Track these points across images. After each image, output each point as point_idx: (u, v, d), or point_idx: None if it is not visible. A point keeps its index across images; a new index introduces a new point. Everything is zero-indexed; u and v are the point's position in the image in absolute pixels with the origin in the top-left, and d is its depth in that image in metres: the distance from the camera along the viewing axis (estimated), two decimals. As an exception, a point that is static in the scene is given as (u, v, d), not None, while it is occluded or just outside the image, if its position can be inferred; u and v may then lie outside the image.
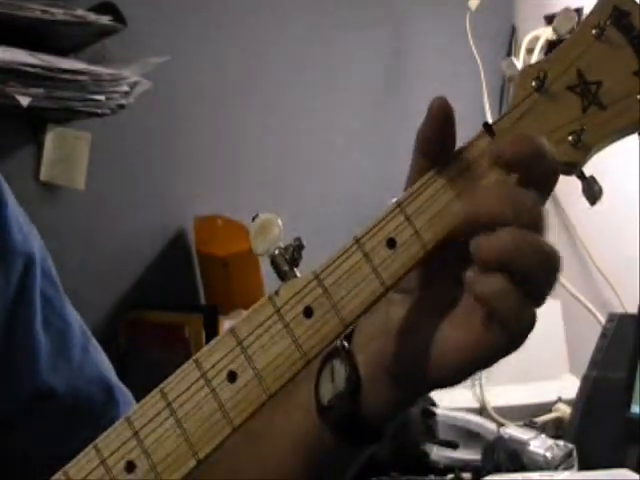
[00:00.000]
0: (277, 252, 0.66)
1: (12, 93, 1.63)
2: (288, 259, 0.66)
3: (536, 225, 0.62)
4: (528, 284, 0.62)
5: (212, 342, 0.66)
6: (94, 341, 0.94)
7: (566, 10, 0.65)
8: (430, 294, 0.68)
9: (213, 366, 0.66)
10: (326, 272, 0.66)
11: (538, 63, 0.67)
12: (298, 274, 0.66)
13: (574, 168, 0.65)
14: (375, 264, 0.65)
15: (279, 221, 0.67)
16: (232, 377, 0.65)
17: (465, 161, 0.66)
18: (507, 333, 0.64)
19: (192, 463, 0.65)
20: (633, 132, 0.65)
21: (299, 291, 0.66)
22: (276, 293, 0.66)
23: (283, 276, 0.66)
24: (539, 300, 0.63)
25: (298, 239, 0.67)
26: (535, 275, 0.62)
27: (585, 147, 0.64)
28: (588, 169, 0.67)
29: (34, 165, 1.81)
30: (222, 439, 0.65)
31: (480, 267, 0.62)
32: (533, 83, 0.66)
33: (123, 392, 0.93)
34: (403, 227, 0.66)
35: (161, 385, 0.66)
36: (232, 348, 0.66)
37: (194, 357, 0.66)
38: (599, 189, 0.65)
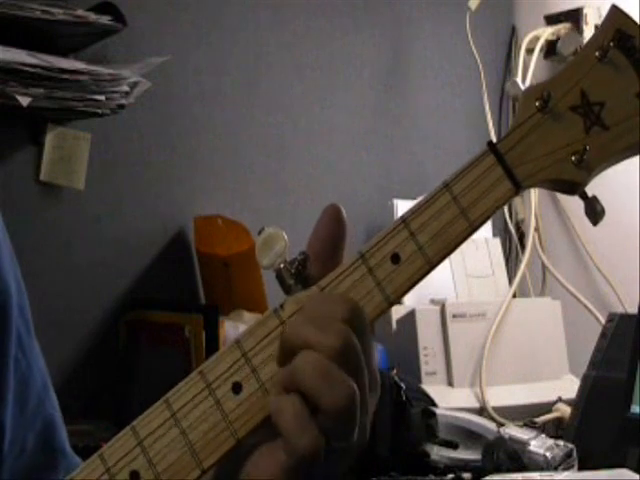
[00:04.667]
0: (282, 266, 0.67)
1: (12, 93, 1.63)
2: (293, 273, 0.66)
3: (338, 356, 0.62)
4: (314, 410, 0.62)
5: (217, 354, 0.66)
6: (52, 393, 0.91)
7: (570, 32, 0.66)
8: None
9: (218, 377, 0.66)
10: (330, 286, 0.66)
11: (542, 83, 0.67)
12: (302, 288, 0.66)
13: (577, 188, 0.66)
14: (379, 279, 0.66)
15: (284, 235, 0.67)
16: (237, 388, 0.65)
17: (469, 179, 0.67)
18: (292, 452, 0.63)
19: (196, 473, 0.65)
20: (636, 153, 0.66)
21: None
22: (281, 307, 0.66)
23: (288, 290, 0.66)
24: (328, 434, 0.63)
25: (303, 253, 0.67)
26: (318, 400, 0.62)
27: (588, 167, 0.65)
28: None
29: (34, 165, 1.82)
30: (226, 450, 0.65)
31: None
32: (537, 103, 0.67)
33: (67, 456, 0.90)
34: (407, 242, 0.66)
35: (166, 395, 0.66)
36: (237, 359, 0.66)
37: (199, 368, 0.66)
38: (601, 209, 0.66)
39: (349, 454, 0.66)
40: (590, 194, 0.66)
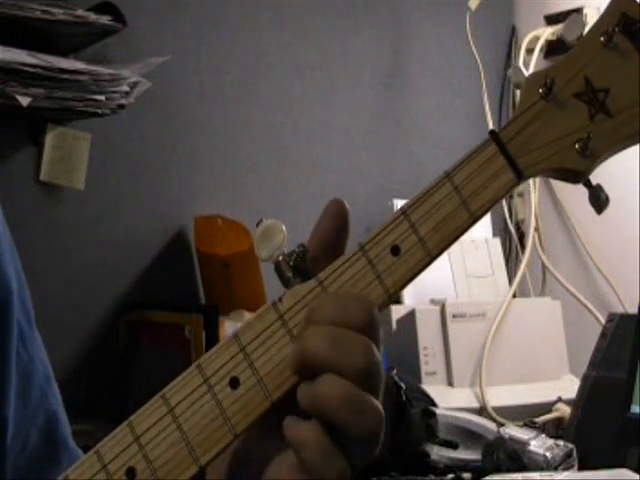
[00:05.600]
0: (281, 258, 0.66)
1: (12, 93, 1.63)
2: (292, 265, 0.65)
3: (364, 377, 0.61)
4: (340, 437, 0.61)
5: (215, 348, 0.66)
6: (54, 386, 0.90)
7: (574, 17, 0.64)
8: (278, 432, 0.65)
9: (216, 372, 0.65)
10: (330, 279, 0.65)
11: (545, 70, 0.66)
12: (301, 281, 0.65)
13: (581, 176, 0.65)
14: (379, 271, 0.65)
15: (283, 227, 0.67)
16: (235, 383, 0.65)
17: (471, 168, 0.65)
18: None
19: (193, 469, 0.65)
20: None
21: (302, 297, 0.65)
22: (279, 300, 0.65)
23: (287, 283, 0.65)
24: (353, 456, 0.62)
25: (302, 245, 0.66)
26: (347, 429, 0.61)
27: (592, 155, 0.64)
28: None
29: (34, 165, 1.82)
30: (224, 446, 0.65)
31: (300, 412, 0.62)
32: (540, 90, 0.65)
33: (70, 450, 0.90)
34: (408, 234, 0.65)
35: (163, 390, 0.66)
36: (235, 354, 0.65)
37: (197, 362, 0.65)
38: (606, 198, 0.65)
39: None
40: (594, 182, 0.65)
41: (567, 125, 0.64)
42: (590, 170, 0.65)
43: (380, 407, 0.62)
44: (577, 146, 0.64)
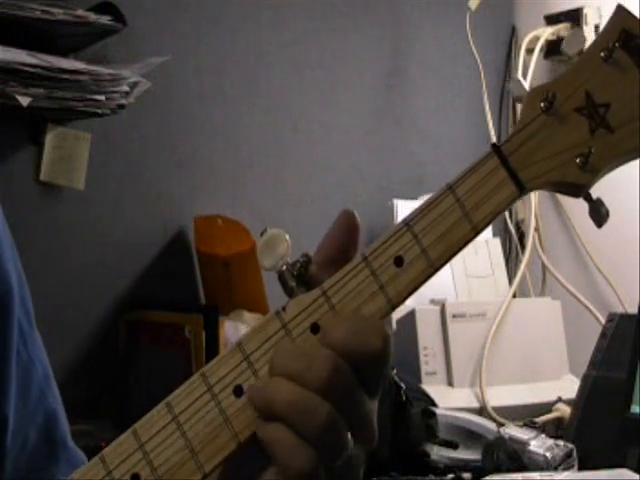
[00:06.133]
0: (284, 268, 0.66)
1: (12, 93, 1.63)
2: (295, 275, 0.66)
3: (316, 381, 0.63)
4: (301, 433, 0.63)
5: (219, 356, 0.66)
6: (53, 385, 0.91)
7: (575, 32, 0.65)
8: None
9: (220, 380, 0.66)
10: (333, 289, 0.66)
11: (546, 84, 0.66)
12: (305, 290, 0.66)
13: (581, 190, 0.65)
14: (382, 282, 0.65)
15: (287, 236, 0.67)
16: (238, 391, 0.65)
17: (473, 181, 0.66)
18: (287, 476, 0.63)
19: (197, 477, 0.65)
20: None
21: (306, 307, 0.65)
22: (283, 309, 0.66)
23: (290, 292, 0.66)
24: (316, 447, 0.63)
25: (306, 255, 0.66)
26: (294, 426, 0.63)
27: (593, 169, 0.64)
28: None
29: (34, 165, 1.82)
30: (228, 453, 0.65)
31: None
32: (541, 104, 0.66)
33: (69, 449, 0.90)
34: (411, 245, 0.66)
35: (167, 398, 0.66)
36: (239, 363, 0.66)
37: (201, 371, 0.66)
38: (606, 212, 0.65)
39: (362, 456, 0.66)
40: (595, 197, 0.66)
41: (568, 139, 0.65)
42: (590, 184, 0.65)
43: (326, 410, 0.62)
44: (578, 160, 0.64)
